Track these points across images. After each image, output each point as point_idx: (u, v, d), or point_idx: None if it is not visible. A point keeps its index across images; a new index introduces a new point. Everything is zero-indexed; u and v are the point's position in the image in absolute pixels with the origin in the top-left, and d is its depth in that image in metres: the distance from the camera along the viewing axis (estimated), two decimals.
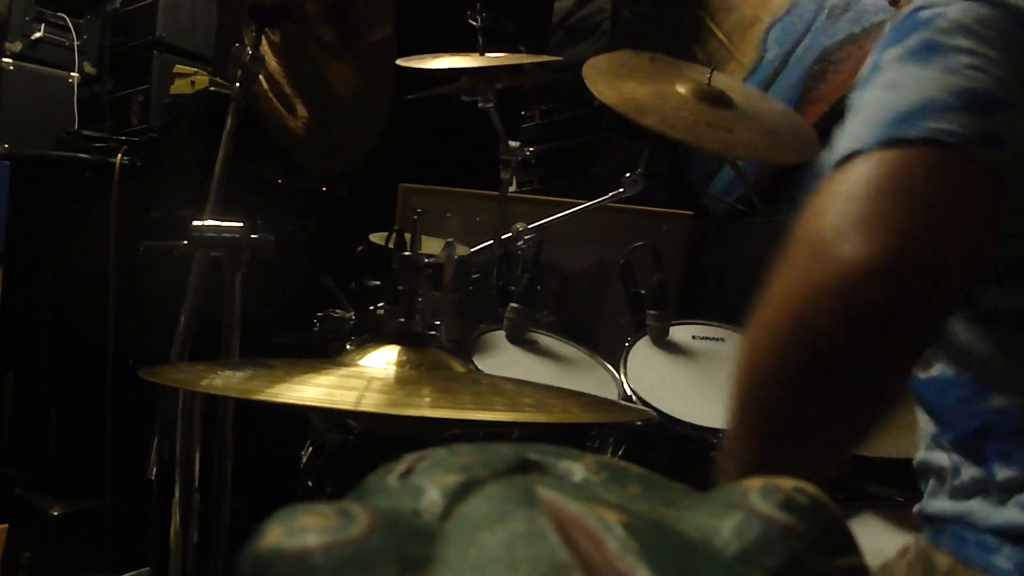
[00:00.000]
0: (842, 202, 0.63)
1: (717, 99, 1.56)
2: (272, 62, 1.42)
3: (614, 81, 1.57)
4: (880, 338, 0.60)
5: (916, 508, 0.82)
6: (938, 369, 0.78)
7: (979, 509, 0.73)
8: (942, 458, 0.78)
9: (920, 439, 0.82)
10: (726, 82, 1.67)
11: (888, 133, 0.64)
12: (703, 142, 1.50)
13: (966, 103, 0.65)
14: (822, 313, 0.60)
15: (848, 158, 0.65)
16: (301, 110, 1.48)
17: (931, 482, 0.80)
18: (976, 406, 0.75)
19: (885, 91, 0.69)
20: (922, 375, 0.79)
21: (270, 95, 1.44)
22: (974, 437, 0.75)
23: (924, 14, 0.71)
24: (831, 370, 0.61)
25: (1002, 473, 0.72)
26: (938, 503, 0.78)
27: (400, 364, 0.94)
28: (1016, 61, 0.68)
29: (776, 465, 0.59)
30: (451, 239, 1.16)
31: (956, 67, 0.66)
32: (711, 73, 1.58)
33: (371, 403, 0.70)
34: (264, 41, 1.30)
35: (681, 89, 1.57)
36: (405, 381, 0.86)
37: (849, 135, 0.67)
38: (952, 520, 0.75)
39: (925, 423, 0.81)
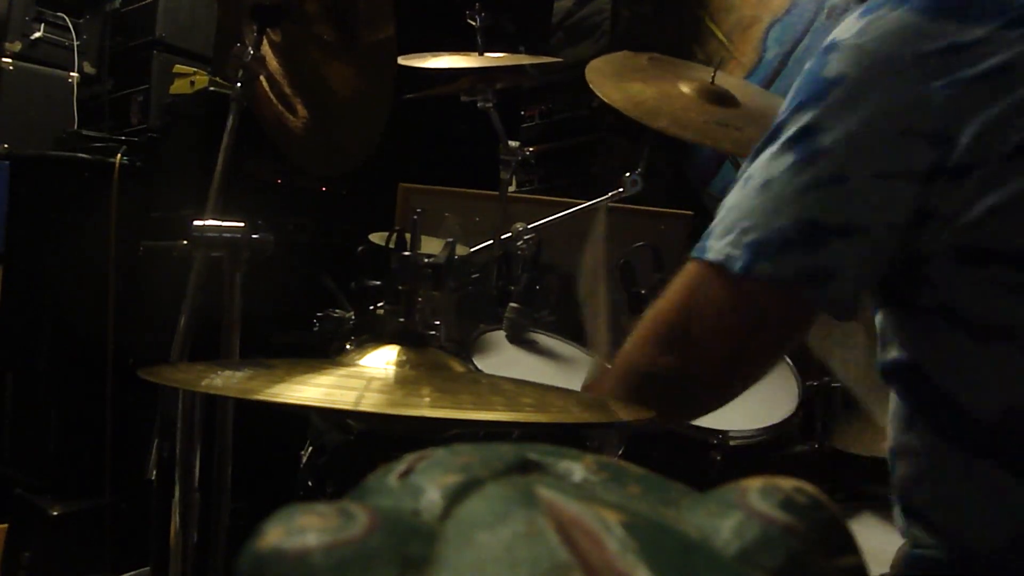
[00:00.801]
0: (685, 312, 0.79)
1: (722, 98, 1.56)
2: (272, 62, 1.42)
3: (618, 83, 1.57)
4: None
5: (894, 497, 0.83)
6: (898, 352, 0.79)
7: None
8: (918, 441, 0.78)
9: (892, 422, 0.82)
10: (727, 80, 1.67)
11: (739, 264, 0.73)
12: (717, 142, 1.51)
13: (805, 237, 0.71)
14: (639, 388, 0.84)
15: (709, 265, 0.76)
16: (301, 110, 1.48)
17: (907, 464, 0.80)
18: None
19: (762, 188, 0.74)
20: (887, 357, 0.80)
21: (270, 95, 1.44)
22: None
23: (830, 68, 0.73)
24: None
25: None
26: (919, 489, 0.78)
27: (400, 364, 0.94)
28: (892, 159, 0.69)
29: None
30: (451, 239, 1.16)
31: (818, 182, 0.71)
32: (714, 72, 1.58)
33: (371, 403, 0.70)
34: (264, 41, 1.30)
35: (685, 89, 1.57)
36: (405, 381, 0.86)
37: (725, 226, 0.76)
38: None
39: (897, 405, 0.81)
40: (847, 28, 0.74)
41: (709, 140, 1.50)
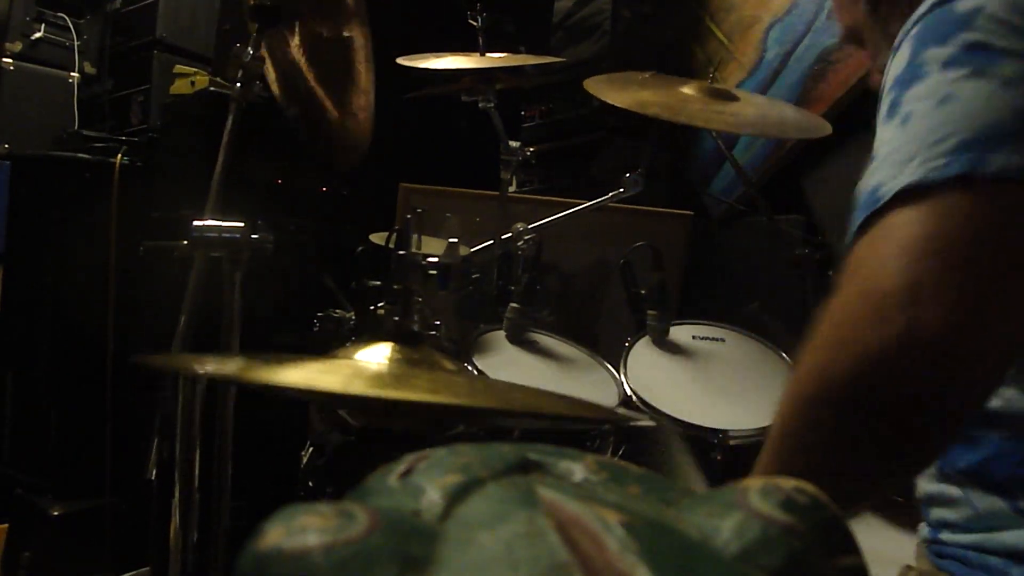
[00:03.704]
0: (907, 257, 0.57)
1: (722, 95, 1.56)
2: (301, 61, 1.42)
3: (618, 88, 1.57)
4: (937, 409, 0.57)
5: (924, 535, 0.80)
6: None
7: (998, 534, 0.71)
8: (952, 490, 0.75)
9: None
10: (730, 87, 1.67)
11: (956, 168, 0.58)
12: (711, 123, 1.50)
13: None
14: (889, 377, 0.56)
15: (909, 193, 0.59)
16: (331, 104, 1.48)
17: (939, 512, 0.77)
18: (983, 435, 0.73)
19: (939, 105, 0.62)
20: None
21: (306, 95, 1.43)
22: (980, 465, 0.72)
23: (961, 7, 0.66)
24: (878, 428, 0.58)
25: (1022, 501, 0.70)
26: (952, 535, 0.75)
27: (393, 360, 0.94)
28: None
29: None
30: (455, 240, 1.16)
31: (1014, 80, 0.61)
32: (713, 73, 1.59)
33: (360, 387, 0.69)
34: (290, 43, 1.31)
35: (688, 90, 1.57)
36: (396, 372, 0.86)
37: (901, 156, 0.62)
38: (969, 547, 0.73)
39: None
40: None
41: (700, 121, 1.49)
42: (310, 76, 1.46)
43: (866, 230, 0.61)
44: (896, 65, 0.69)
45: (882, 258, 0.59)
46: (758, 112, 1.56)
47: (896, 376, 0.56)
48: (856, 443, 0.60)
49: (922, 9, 0.69)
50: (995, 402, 0.71)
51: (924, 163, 0.60)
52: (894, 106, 0.66)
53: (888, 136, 0.65)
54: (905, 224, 0.59)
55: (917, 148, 0.61)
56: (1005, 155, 0.58)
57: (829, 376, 0.59)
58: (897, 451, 0.59)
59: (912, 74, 0.66)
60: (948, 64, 0.64)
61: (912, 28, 0.70)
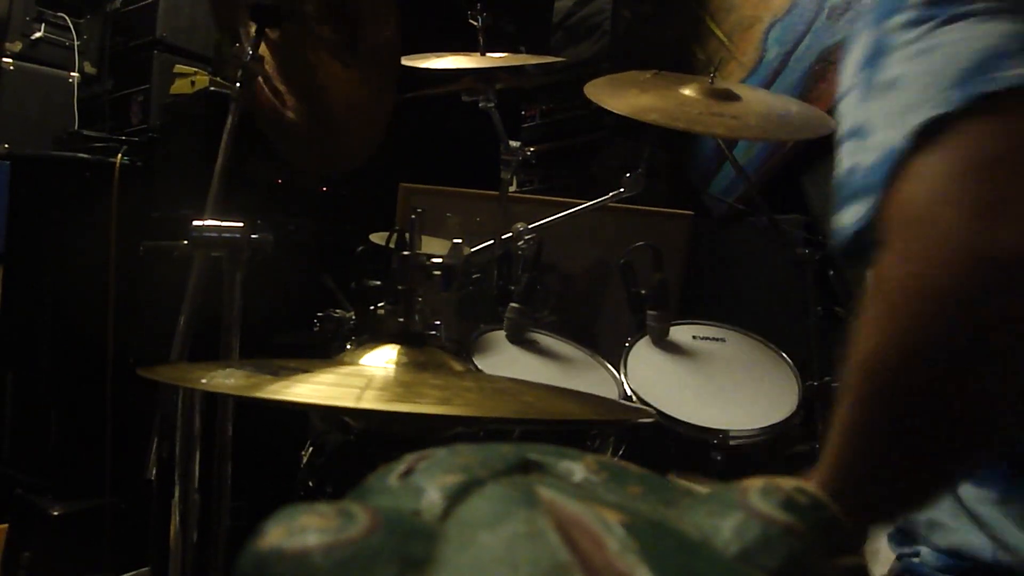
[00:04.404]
0: (957, 187, 0.53)
1: (723, 95, 1.56)
2: (269, 62, 1.42)
3: (619, 91, 1.57)
4: None
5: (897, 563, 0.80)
6: None
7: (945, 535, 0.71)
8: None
9: None
10: (731, 84, 1.66)
11: (969, 92, 0.55)
12: (709, 128, 1.49)
13: None
14: (982, 302, 0.51)
15: (927, 133, 0.56)
16: (299, 109, 1.48)
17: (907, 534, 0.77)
18: None
19: (920, 56, 0.60)
20: None
21: (268, 95, 1.44)
22: None
23: None
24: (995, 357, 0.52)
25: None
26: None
27: (400, 363, 0.94)
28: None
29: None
30: (458, 240, 1.16)
31: (988, 18, 0.58)
32: (713, 73, 1.58)
33: (371, 400, 0.70)
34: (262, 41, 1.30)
35: (686, 91, 1.56)
36: (405, 379, 0.86)
37: (900, 106, 0.59)
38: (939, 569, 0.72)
39: None
40: None
41: (700, 127, 1.48)
42: (279, 81, 1.46)
43: (893, 192, 0.57)
44: (857, 52, 0.67)
45: (927, 198, 0.54)
46: (760, 112, 1.55)
47: (993, 299, 0.51)
48: (952, 401, 0.54)
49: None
50: None
51: (932, 102, 0.56)
52: (869, 84, 0.64)
53: (878, 108, 0.62)
54: (937, 161, 0.55)
55: (917, 97, 0.58)
56: (1014, 69, 0.55)
57: (873, 371, 0.55)
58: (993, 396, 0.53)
59: (878, 50, 0.64)
60: (913, 23, 0.61)
61: (863, 22, 0.69)
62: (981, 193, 0.52)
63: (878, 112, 0.62)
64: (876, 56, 0.64)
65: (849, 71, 0.68)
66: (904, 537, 0.78)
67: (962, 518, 0.70)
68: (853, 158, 0.63)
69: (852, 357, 0.57)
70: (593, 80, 1.63)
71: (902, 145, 0.57)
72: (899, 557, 0.79)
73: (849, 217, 0.62)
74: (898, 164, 0.57)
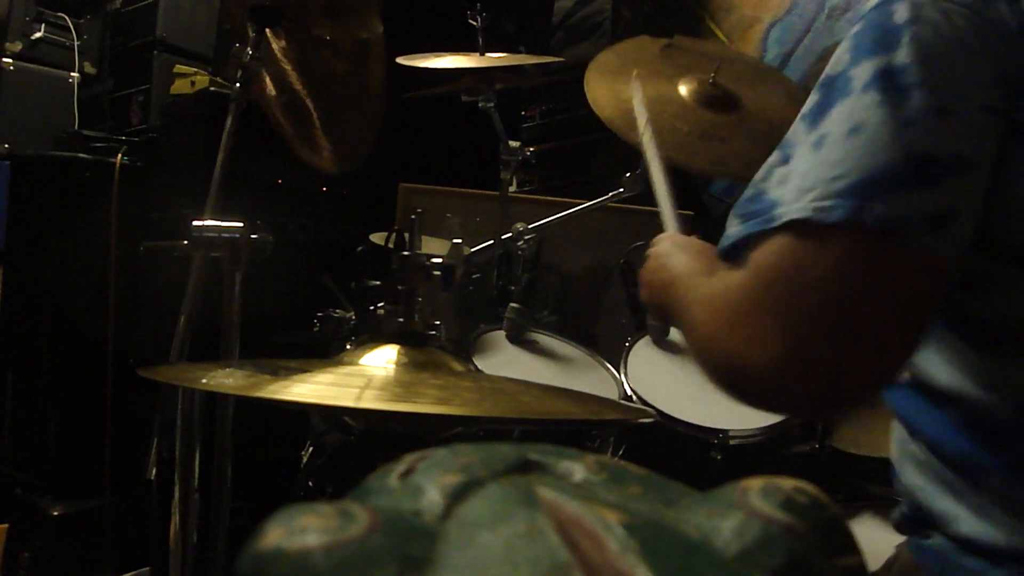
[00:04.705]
0: (772, 295, 0.64)
1: (720, 100, 1.55)
2: (286, 66, 1.42)
3: (615, 86, 1.56)
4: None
5: (899, 515, 0.81)
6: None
7: (955, 525, 0.72)
8: (918, 450, 0.76)
9: (898, 455, 0.80)
10: (733, 69, 1.64)
11: (837, 214, 0.62)
12: (691, 159, 1.47)
13: (918, 174, 0.62)
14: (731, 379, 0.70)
15: (801, 225, 0.63)
16: (312, 111, 1.48)
17: (909, 477, 0.78)
18: (936, 412, 0.74)
19: (849, 135, 0.64)
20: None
21: (279, 101, 1.43)
22: (936, 437, 0.74)
23: (898, 16, 0.66)
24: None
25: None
26: (925, 500, 0.76)
27: (399, 363, 0.94)
28: (987, 92, 0.64)
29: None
30: (459, 240, 1.16)
31: (918, 116, 0.62)
32: (714, 73, 1.58)
33: (371, 400, 0.70)
34: (274, 46, 1.30)
35: (684, 91, 1.56)
36: (405, 379, 0.86)
37: (803, 182, 0.65)
38: (947, 550, 0.73)
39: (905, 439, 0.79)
40: None
41: (685, 157, 1.46)
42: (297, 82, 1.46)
43: (757, 243, 0.66)
44: (835, 60, 0.70)
45: (758, 282, 0.66)
46: (745, 143, 1.52)
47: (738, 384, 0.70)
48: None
49: (872, 2, 0.69)
50: (943, 381, 0.72)
51: (817, 199, 0.63)
52: (816, 113, 0.68)
53: (801, 150, 0.67)
54: (783, 256, 0.64)
55: (818, 179, 0.64)
56: (887, 205, 0.61)
57: (691, 330, 0.79)
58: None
59: (842, 84, 0.67)
60: (868, 86, 0.65)
61: (857, 24, 0.70)
62: (767, 310, 0.64)
63: (799, 155, 0.67)
64: (836, 90, 0.67)
65: (829, 65, 0.70)
66: (915, 525, 0.78)
67: (972, 507, 0.71)
68: (765, 171, 0.71)
69: (696, 300, 0.76)
70: (599, 55, 1.61)
71: (775, 218, 0.65)
72: (907, 541, 0.79)
73: (732, 220, 0.71)
74: (763, 232, 0.66)
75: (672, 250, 0.96)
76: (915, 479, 0.77)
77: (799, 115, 0.70)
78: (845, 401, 0.69)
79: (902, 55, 0.64)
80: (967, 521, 0.71)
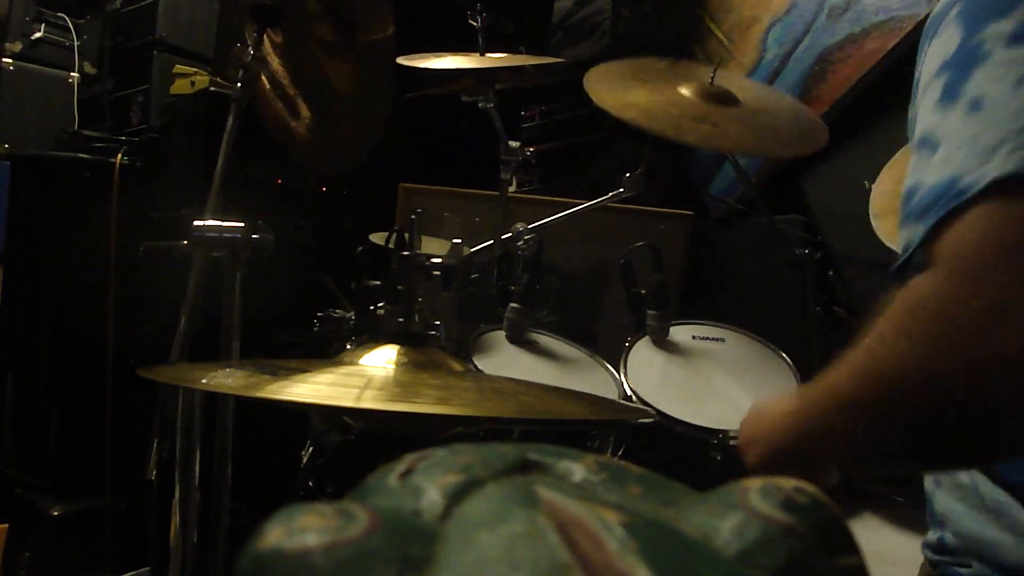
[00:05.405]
0: (1003, 266, 0.53)
1: (719, 98, 1.55)
2: (275, 62, 1.42)
3: (614, 85, 1.56)
4: (991, 429, 0.55)
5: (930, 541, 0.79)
6: None
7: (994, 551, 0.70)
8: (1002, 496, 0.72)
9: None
10: (734, 81, 1.65)
11: (1013, 166, 0.54)
12: (681, 135, 1.46)
13: None
14: (954, 392, 0.54)
15: (1003, 187, 0.55)
16: (304, 110, 1.48)
17: (945, 501, 0.76)
18: None
19: (1016, 87, 0.58)
20: None
21: (272, 96, 1.44)
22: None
23: None
24: (919, 438, 0.57)
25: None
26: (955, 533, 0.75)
27: (399, 363, 0.94)
28: None
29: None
30: (459, 240, 1.16)
31: None
32: (713, 73, 1.58)
33: (370, 400, 0.70)
34: (267, 41, 1.30)
35: (684, 91, 1.56)
36: (404, 379, 0.86)
37: (983, 144, 0.57)
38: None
39: None
40: None
41: (672, 131, 1.45)
42: (287, 82, 1.46)
43: (949, 225, 0.57)
44: (942, 46, 0.64)
45: (972, 263, 0.55)
46: (747, 122, 1.52)
47: (966, 395, 0.54)
48: (889, 447, 0.58)
49: (877, 18, 0.67)
50: None
51: (1016, 151, 0.55)
52: (951, 91, 0.61)
53: (953, 124, 0.60)
54: (1000, 222, 0.54)
55: (1002, 135, 0.56)
56: None
57: (888, 378, 0.57)
58: (933, 458, 0.59)
59: (970, 54, 0.61)
60: (1016, 39, 0.59)
61: (954, 6, 0.65)
62: (1007, 286, 0.52)
63: (953, 129, 0.60)
64: (967, 62, 0.62)
65: (932, 63, 0.65)
66: (950, 548, 0.76)
67: (1010, 536, 0.69)
68: (917, 174, 0.62)
69: (867, 358, 0.59)
70: (602, 64, 1.62)
71: (965, 189, 0.56)
72: (935, 565, 0.78)
73: (905, 237, 0.62)
74: (956, 208, 0.56)
75: (769, 403, 0.75)
76: (954, 505, 0.75)
77: (924, 114, 0.64)
78: None
79: None
80: (1015, 549, 0.68)
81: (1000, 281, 0.53)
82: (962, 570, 0.73)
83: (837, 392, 0.60)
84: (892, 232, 1.49)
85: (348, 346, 1.40)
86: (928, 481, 0.79)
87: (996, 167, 0.55)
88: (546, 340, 1.54)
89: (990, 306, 0.52)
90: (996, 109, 0.58)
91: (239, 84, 1.21)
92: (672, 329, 1.54)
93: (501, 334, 1.52)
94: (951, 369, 0.54)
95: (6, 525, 2.10)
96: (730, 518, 0.32)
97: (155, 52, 2.67)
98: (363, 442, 1.24)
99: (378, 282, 1.42)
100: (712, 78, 1.57)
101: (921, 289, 0.57)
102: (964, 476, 0.74)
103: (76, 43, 2.87)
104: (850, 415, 0.59)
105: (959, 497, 0.74)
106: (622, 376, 1.41)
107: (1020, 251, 0.53)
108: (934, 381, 0.54)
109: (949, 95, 0.61)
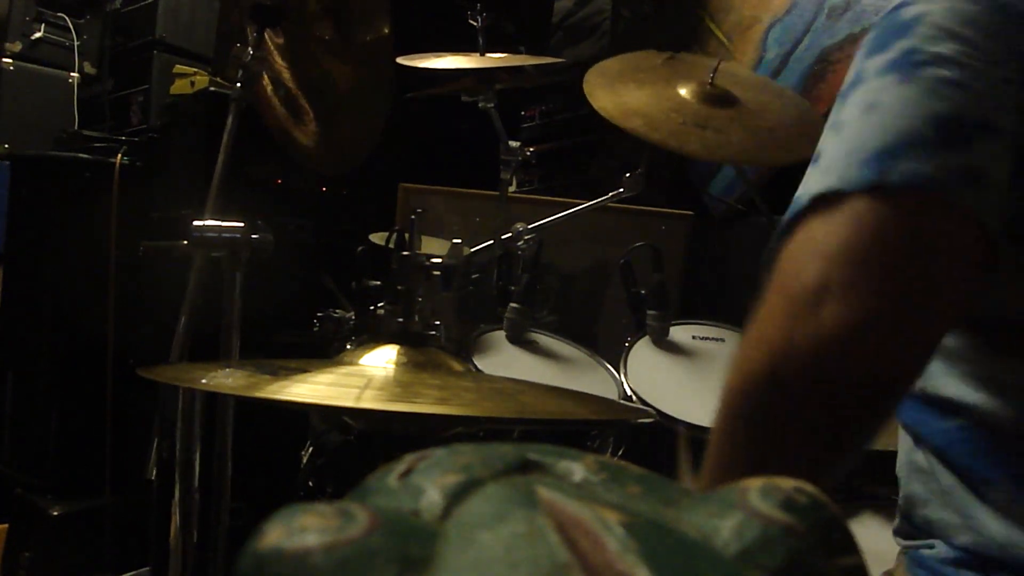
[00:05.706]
0: (820, 260, 0.60)
1: (719, 99, 1.55)
2: (277, 63, 1.42)
3: (613, 86, 1.56)
4: (854, 403, 0.60)
5: (897, 524, 0.81)
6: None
7: (956, 535, 0.72)
8: (922, 459, 0.77)
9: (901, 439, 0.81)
10: (734, 77, 1.64)
11: (867, 176, 0.60)
12: (684, 144, 1.46)
13: (944, 135, 0.61)
14: (797, 372, 0.59)
15: (825, 199, 0.61)
16: (306, 111, 1.48)
17: (912, 486, 0.78)
18: (944, 420, 0.74)
19: (865, 113, 0.64)
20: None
21: (274, 97, 1.44)
22: (942, 445, 0.74)
23: (907, 13, 0.67)
24: (796, 423, 0.61)
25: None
26: (924, 512, 0.77)
27: (399, 363, 0.94)
28: (1003, 66, 0.64)
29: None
30: (459, 240, 1.16)
31: (936, 86, 0.62)
32: (713, 73, 1.58)
33: (370, 400, 0.70)
34: (269, 42, 1.30)
35: (683, 91, 1.55)
36: (404, 379, 0.86)
37: (826, 164, 0.64)
38: (947, 562, 0.73)
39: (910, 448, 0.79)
40: None
41: (675, 141, 1.46)
42: (291, 83, 1.46)
43: (789, 234, 0.64)
44: (848, 75, 0.71)
45: (797, 262, 0.62)
46: (748, 125, 1.52)
47: (807, 369, 0.59)
48: (780, 433, 0.61)
49: (878, 18, 0.71)
50: (950, 391, 0.73)
51: (841, 171, 0.62)
52: (835, 112, 0.68)
53: (825, 145, 0.67)
54: (817, 229, 0.62)
55: (840, 157, 0.63)
56: (912, 163, 0.60)
57: (748, 370, 0.62)
58: (822, 439, 0.61)
59: (854, 82, 0.68)
60: (881, 71, 0.65)
61: (865, 38, 0.72)
62: (826, 275, 0.59)
63: (822, 152, 0.67)
64: (848, 89, 0.69)
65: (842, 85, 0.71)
66: (916, 532, 0.78)
67: (970, 518, 0.71)
68: (803, 182, 0.68)
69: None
70: (601, 62, 1.62)
71: (800, 204, 0.63)
72: (905, 550, 0.80)
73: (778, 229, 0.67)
74: (793, 219, 0.64)
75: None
76: (917, 488, 0.77)
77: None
78: (895, 375, 0.60)
79: (914, 39, 0.65)
80: (965, 532, 0.71)
81: (808, 280, 0.59)
82: (926, 552, 0.76)
83: (723, 391, 0.66)
84: None
85: (348, 346, 1.40)
86: (899, 465, 0.82)
87: (821, 185, 0.62)
88: (546, 340, 1.54)
89: (791, 307, 0.60)
90: (847, 133, 0.65)
91: (239, 84, 1.22)
92: (672, 329, 1.54)
93: (501, 334, 1.52)
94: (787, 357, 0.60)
95: (6, 525, 2.10)
96: (730, 518, 0.32)
97: (155, 52, 2.67)
98: (363, 442, 1.25)
99: (378, 282, 1.42)
100: (712, 78, 1.57)
101: (755, 311, 0.64)
102: (924, 462, 0.76)
103: (76, 43, 2.87)
104: (735, 410, 0.64)
105: (920, 480, 0.77)
106: (622, 376, 1.41)
107: (829, 250, 0.60)
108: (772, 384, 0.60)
109: (833, 116, 0.68)
